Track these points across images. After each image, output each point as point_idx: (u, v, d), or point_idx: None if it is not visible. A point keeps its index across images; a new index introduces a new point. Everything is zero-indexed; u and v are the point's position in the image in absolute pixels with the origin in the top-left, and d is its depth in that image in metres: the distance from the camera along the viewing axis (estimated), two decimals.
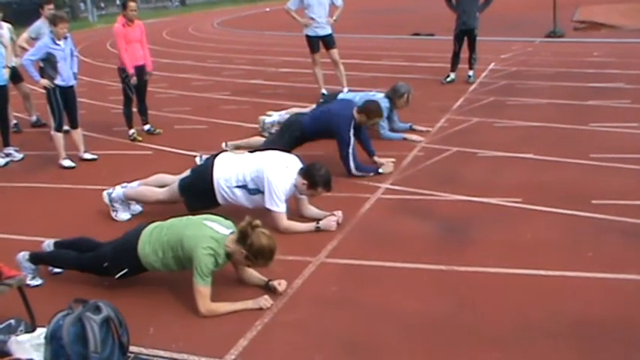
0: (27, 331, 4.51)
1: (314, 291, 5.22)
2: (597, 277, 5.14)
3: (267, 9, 48.74)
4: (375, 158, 8.13)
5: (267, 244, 4.85)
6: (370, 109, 7.88)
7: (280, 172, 6.35)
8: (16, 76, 10.76)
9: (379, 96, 9.19)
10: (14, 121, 11.42)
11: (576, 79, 12.98)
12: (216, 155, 6.71)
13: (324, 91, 12.24)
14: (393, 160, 8.08)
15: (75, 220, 7.09)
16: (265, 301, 4.97)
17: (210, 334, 4.66)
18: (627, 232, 5.86)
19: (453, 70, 13.45)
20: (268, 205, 6.30)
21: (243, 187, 6.40)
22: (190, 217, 5.33)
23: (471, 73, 13.35)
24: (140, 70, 10.24)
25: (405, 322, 4.68)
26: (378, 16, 33.92)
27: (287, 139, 7.96)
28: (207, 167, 6.59)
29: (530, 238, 5.92)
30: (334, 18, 12.40)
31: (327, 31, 12.28)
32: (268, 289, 5.20)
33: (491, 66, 15.05)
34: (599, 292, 4.92)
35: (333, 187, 6.51)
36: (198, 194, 6.57)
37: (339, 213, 6.55)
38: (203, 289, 4.88)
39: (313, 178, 6.32)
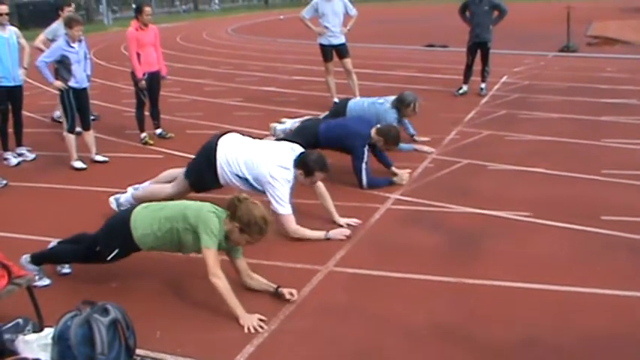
0: (34, 331, 4.52)
1: (322, 299, 5.22)
2: (606, 293, 5.12)
3: (282, 16, 48.84)
4: (393, 169, 8.14)
5: (258, 212, 4.85)
6: (390, 135, 7.85)
7: (280, 174, 6.37)
8: None
9: (387, 106, 9.17)
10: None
11: (589, 94, 12.95)
12: (221, 135, 6.78)
13: (336, 100, 12.23)
14: (408, 170, 8.08)
15: (84, 221, 7.06)
16: (257, 323, 4.80)
17: (217, 340, 4.66)
18: (636, 249, 5.84)
19: (465, 82, 13.45)
20: (274, 208, 6.28)
21: (244, 179, 6.48)
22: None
23: (483, 85, 13.35)
24: (154, 76, 10.29)
25: (413, 333, 4.67)
26: (392, 26, 33.95)
27: (299, 144, 7.97)
28: (212, 146, 6.66)
29: (538, 252, 5.91)
30: (348, 27, 12.44)
31: (341, 40, 12.31)
32: (277, 296, 5.20)
33: (504, 79, 15.05)
34: (608, 308, 4.91)
35: (331, 173, 6.55)
36: (202, 173, 6.68)
37: (351, 224, 6.60)
38: (212, 251, 4.86)
39: (307, 166, 6.38)
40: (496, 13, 13.07)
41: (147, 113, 10.58)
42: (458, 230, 6.51)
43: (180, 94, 15.05)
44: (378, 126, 7.98)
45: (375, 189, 7.73)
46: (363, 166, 7.69)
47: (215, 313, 4.95)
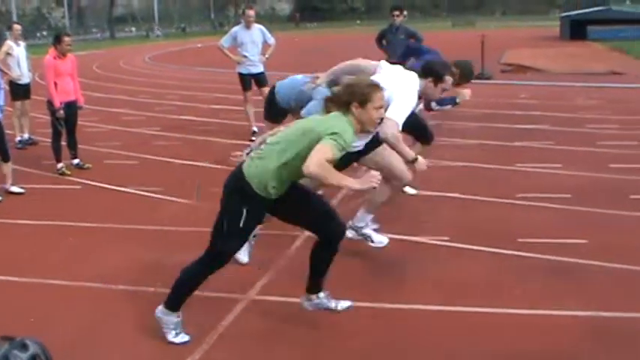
0: None
1: (245, 328, 5.20)
2: (525, 313, 5.24)
3: (199, 45, 48.78)
4: None
5: (359, 80, 4.83)
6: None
7: (412, 84, 5.94)
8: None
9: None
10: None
11: (503, 120, 13.29)
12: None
13: (255, 128, 12.24)
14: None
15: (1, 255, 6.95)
16: (372, 178, 4.49)
17: None
18: (552, 269, 6.02)
19: None
20: (389, 114, 5.51)
21: None
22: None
23: None
24: (71, 105, 10.14)
25: (337, 359, 4.69)
26: (309, 55, 34.21)
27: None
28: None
29: (458, 275, 6.01)
30: (266, 56, 12.53)
31: (260, 69, 12.39)
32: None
33: (420, 106, 15.25)
34: (528, 328, 5.03)
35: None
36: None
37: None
38: (332, 154, 4.35)
39: (432, 70, 6.06)
40: (412, 41, 13.31)
41: (63, 143, 10.41)
42: (377, 256, 6.57)
43: (97, 123, 14.85)
44: None
45: None
46: None
47: (137, 345, 4.88)
